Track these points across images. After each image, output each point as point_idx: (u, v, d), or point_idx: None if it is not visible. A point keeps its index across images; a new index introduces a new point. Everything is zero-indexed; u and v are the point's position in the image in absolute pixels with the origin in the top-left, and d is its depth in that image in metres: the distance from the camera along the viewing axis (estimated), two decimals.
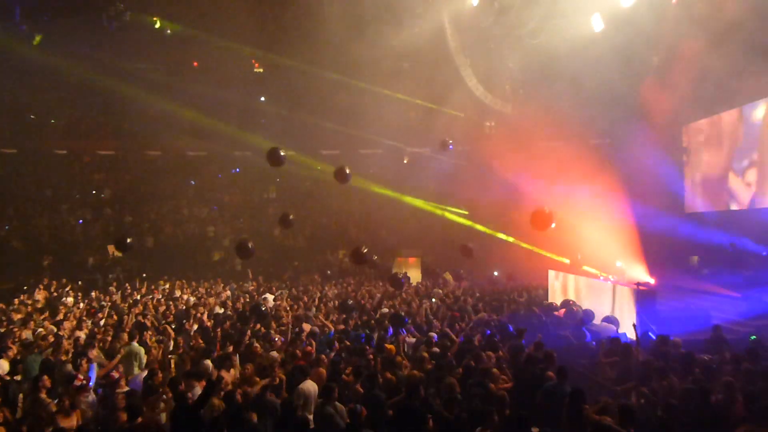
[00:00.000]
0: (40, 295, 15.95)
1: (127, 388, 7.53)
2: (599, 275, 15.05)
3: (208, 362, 8.27)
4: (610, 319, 11.72)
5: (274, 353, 8.78)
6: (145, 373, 8.05)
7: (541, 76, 18.60)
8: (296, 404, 6.80)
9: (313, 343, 9.33)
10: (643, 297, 12.52)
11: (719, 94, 15.64)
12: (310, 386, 7.10)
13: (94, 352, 9.42)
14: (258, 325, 10.94)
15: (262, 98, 27.58)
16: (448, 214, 22.65)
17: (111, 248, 22.73)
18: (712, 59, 13.65)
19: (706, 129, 18.08)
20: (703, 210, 18.13)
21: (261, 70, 27.26)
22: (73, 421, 6.53)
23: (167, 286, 18.66)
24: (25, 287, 17.69)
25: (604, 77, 16.46)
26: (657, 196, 17.71)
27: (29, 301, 15.15)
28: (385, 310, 12.83)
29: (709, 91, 15.39)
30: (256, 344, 9.25)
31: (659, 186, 17.77)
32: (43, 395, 7.04)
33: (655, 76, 16.12)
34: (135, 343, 9.52)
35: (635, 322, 10.19)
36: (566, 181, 17.72)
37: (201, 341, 9.88)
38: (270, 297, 15.75)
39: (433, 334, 10.05)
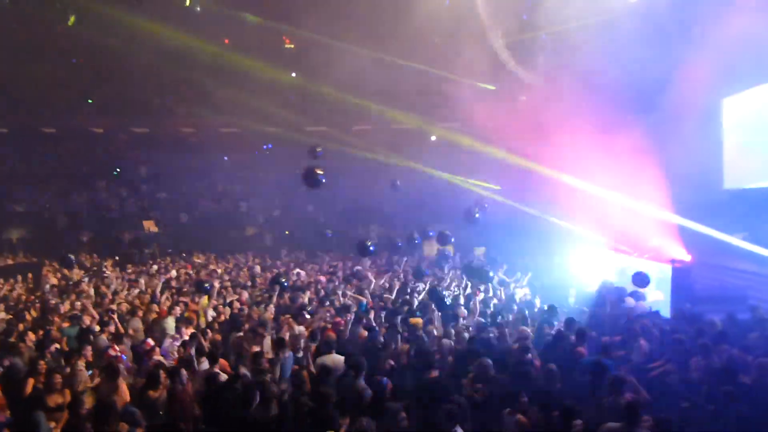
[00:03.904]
0: (53, 279, 15.41)
1: (160, 358, 7.76)
2: (633, 252, 14.79)
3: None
4: (637, 295, 11.46)
5: (301, 327, 8.88)
6: (172, 342, 8.32)
7: (574, 47, 18.09)
8: (317, 377, 6.86)
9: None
10: (679, 274, 12.29)
11: (761, 65, 15.00)
12: (330, 360, 7.17)
13: (134, 323, 9.80)
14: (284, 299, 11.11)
15: (293, 74, 27.56)
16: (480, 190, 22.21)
17: (147, 224, 23.29)
18: (753, 28, 13.07)
19: (747, 101, 17.39)
20: (743, 186, 17.54)
21: (292, 46, 27.20)
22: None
23: (201, 260, 19.08)
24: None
25: (640, 49, 15.94)
26: (695, 171, 17.17)
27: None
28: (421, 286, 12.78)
29: (751, 61, 14.77)
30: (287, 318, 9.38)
31: (697, 161, 17.22)
32: (82, 364, 7.32)
33: (693, 47, 15.51)
34: (170, 318, 9.82)
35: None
36: (600, 156, 17.33)
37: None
38: (303, 273, 15.88)
39: (463, 311, 10.03)
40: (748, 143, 17.14)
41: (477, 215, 14.58)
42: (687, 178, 16.63)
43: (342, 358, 7.26)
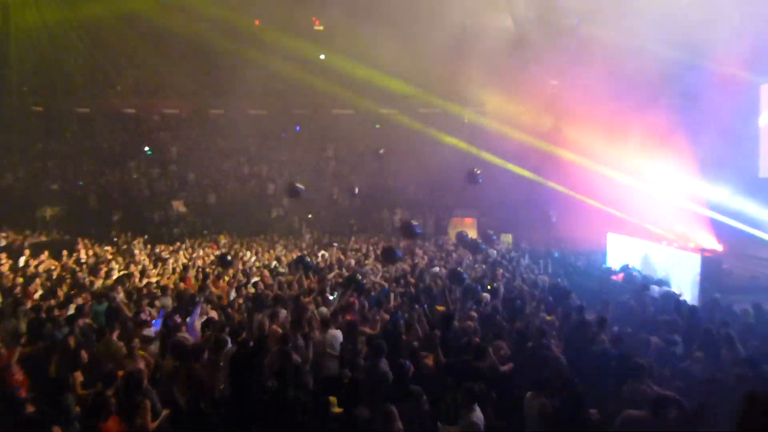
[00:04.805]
0: (84, 254, 15.98)
1: (186, 335, 7.86)
2: (662, 240, 14.52)
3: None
4: (662, 282, 11.27)
5: (324, 309, 8.90)
6: (199, 319, 8.43)
7: (607, 28, 17.66)
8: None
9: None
10: (708, 263, 12.03)
11: None
12: (329, 335, 7.28)
13: (164, 300, 9.97)
14: (309, 281, 11.17)
15: (322, 56, 27.52)
16: (519, 170, 21.64)
17: (176, 204, 23.62)
18: None
19: None
20: None
21: (321, 28, 27.17)
22: (141, 364, 6.85)
23: (227, 241, 19.36)
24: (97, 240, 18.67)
25: (676, 32, 15.50)
26: (729, 158, 16.74)
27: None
28: (436, 269, 12.76)
29: None
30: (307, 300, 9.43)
31: (732, 148, 16.77)
32: (114, 338, 7.48)
33: (731, 31, 15.01)
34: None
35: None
36: (633, 141, 16.99)
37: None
38: (327, 254, 15.97)
39: (486, 295, 9.98)
40: None
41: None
42: (721, 166, 16.23)
43: (339, 332, 7.33)
